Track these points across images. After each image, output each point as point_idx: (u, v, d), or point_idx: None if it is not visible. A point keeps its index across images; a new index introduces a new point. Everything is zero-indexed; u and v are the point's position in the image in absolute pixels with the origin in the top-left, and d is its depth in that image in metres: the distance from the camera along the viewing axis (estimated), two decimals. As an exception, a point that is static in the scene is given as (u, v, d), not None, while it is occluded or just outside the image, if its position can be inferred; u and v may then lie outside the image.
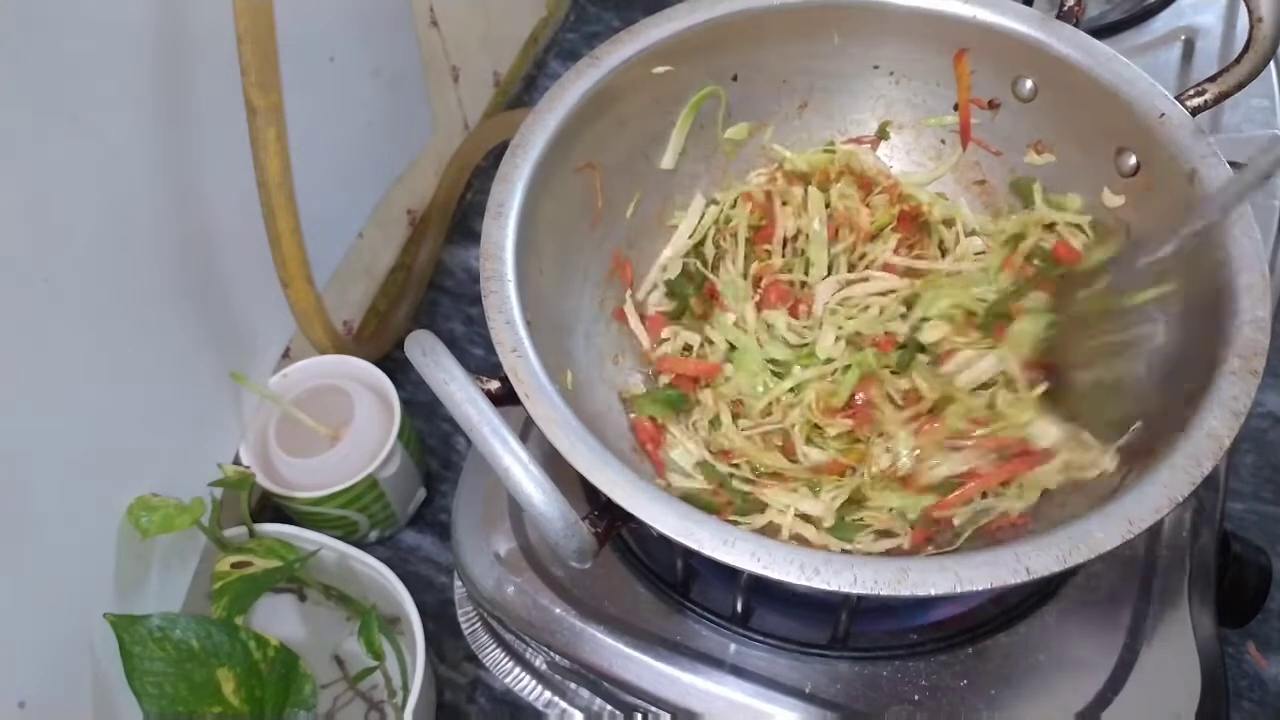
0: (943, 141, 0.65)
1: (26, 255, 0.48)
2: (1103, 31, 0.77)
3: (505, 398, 0.45)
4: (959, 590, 0.39)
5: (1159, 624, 0.52)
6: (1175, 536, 0.55)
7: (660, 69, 0.59)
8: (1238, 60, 0.53)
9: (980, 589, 0.39)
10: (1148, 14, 0.79)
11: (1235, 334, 0.46)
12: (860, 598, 0.48)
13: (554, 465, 0.41)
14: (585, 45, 1.05)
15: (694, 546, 0.40)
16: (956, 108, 0.63)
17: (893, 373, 0.57)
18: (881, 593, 0.39)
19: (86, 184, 0.51)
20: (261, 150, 0.56)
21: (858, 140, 0.66)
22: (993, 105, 0.62)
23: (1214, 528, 0.56)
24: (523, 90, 1.03)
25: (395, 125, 0.82)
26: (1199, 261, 0.50)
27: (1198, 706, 0.50)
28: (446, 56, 0.87)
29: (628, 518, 0.42)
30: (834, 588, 0.39)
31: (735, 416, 0.57)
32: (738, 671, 0.53)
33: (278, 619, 0.67)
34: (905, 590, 0.39)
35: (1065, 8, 0.58)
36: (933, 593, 0.39)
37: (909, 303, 0.60)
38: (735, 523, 0.49)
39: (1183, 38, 0.79)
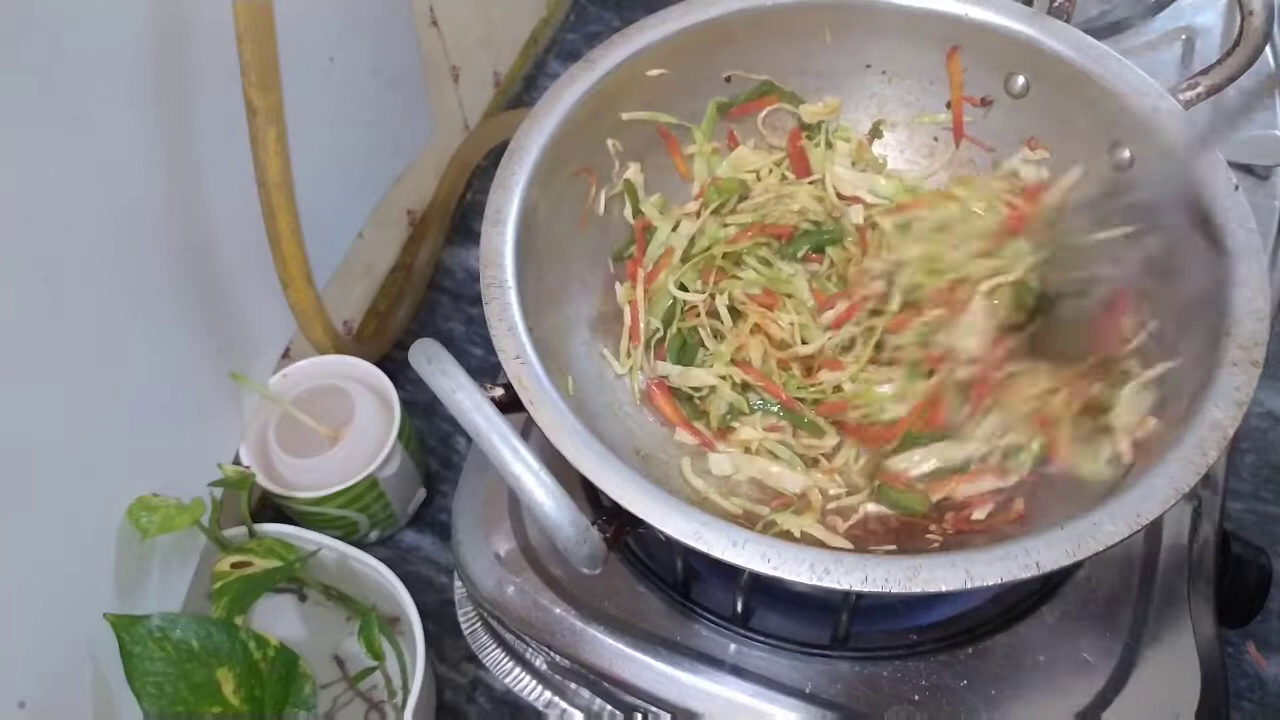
0: (935, 139, 0.65)
1: (26, 255, 0.48)
2: (1103, 31, 0.77)
3: (509, 404, 0.45)
4: (969, 586, 0.39)
5: (1159, 624, 0.52)
6: (1175, 536, 0.55)
7: (654, 72, 0.59)
8: (1229, 53, 0.54)
9: (991, 584, 0.39)
10: (1148, 14, 0.79)
11: (1235, 325, 0.46)
12: (861, 597, 0.48)
13: (555, 470, 0.41)
14: (585, 45, 1.05)
15: (703, 549, 0.40)
16: (949, 105, 0.63)
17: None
18: (893, 590, 0.39)
19: (86, 184, 0.51)
20: (261, 150, 0.56)
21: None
22: (985, 102, 0.62)
23: (1214, 528, 0.56)
24: (523, 90, 1.03)
25: (395, 125, 0.82)
26: (1198, 255, 0.50)
27: (1198, 706, 0.50)
28: (446, 56, 0.87)
29: (636, 522, 0.42)
30: (845, 587, 0.39)
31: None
32: (738, 671, 0.53)
33: (278, 619, 0.67)
34: (916, 588, 0.39)
35: (1056, 4, 0.58)
36: (943, 589, 0.39)
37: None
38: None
39: (1183, 37, 0.79)
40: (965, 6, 0.59)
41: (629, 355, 0.58)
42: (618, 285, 0.61)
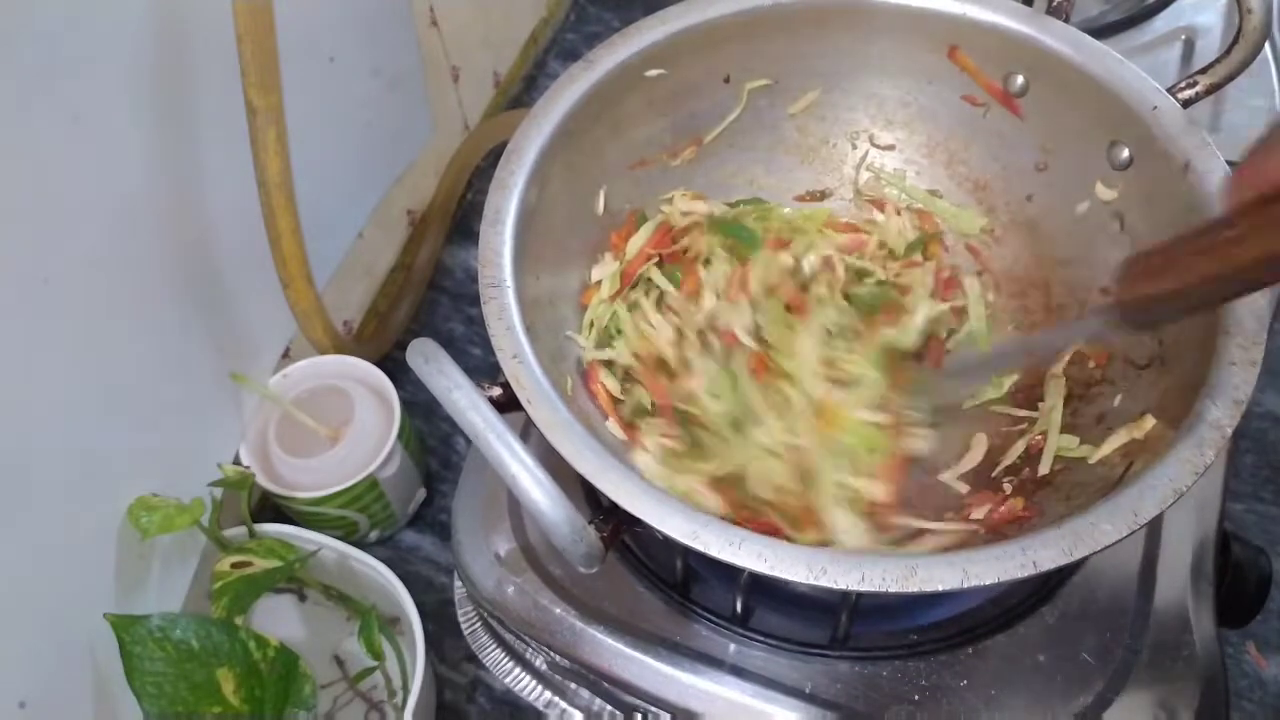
0: (932, 138, 0.65)
1: (26, 255, 0.48)
2: (1103, 31, 0.77)
3: (508, 404, 0.45)
4: (966, 585, 0.39)
5: (1159, 624, 0.52)
6: (1175, 536, 0.55)
7: (653, 72, 0.59)
8: (1228, 52, 0.54)
9: (988, 583, 0.39)
10: (1148, 14, 0.79)
11: (1234, 324, 0.46)
12: (860, 597, 0.48)
13: (553, 469, 0.41)
14: (585, 45, 1.05)
15: (700, 549, 0.40)
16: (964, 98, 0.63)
17: None
18: (890, 589, 0.39)
19: (86, 184, 0.51)
20: (261, 150, 0.56)
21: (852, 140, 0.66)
22: (984, 102, 0.62)
23: (1214, 528, 0.56)
24: (523, 90, 1.03)
25: (395, 125, 0.82)
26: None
27: (1198, 706, 0.50)
28: (446, 56, 0.87)
29: (633, 521, 0.42)
30: (842, 586, 0.39)
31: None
32: (738, 671, 0.53)
33: (278, 619, 0.67)
34: (913, 587, 0.39)
35: (1055, 3, 0.58)
36: (941, 588, 0.39)
37: None
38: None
39: (1183, 37, 0.79)
40: (964, 6, 0.58)
41: (590, 327, 0.58)
42: (597, 263, 0.60)
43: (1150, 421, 0.48)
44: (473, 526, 0.58)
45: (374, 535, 0.74)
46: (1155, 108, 0.53)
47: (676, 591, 0.55)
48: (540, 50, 1.05)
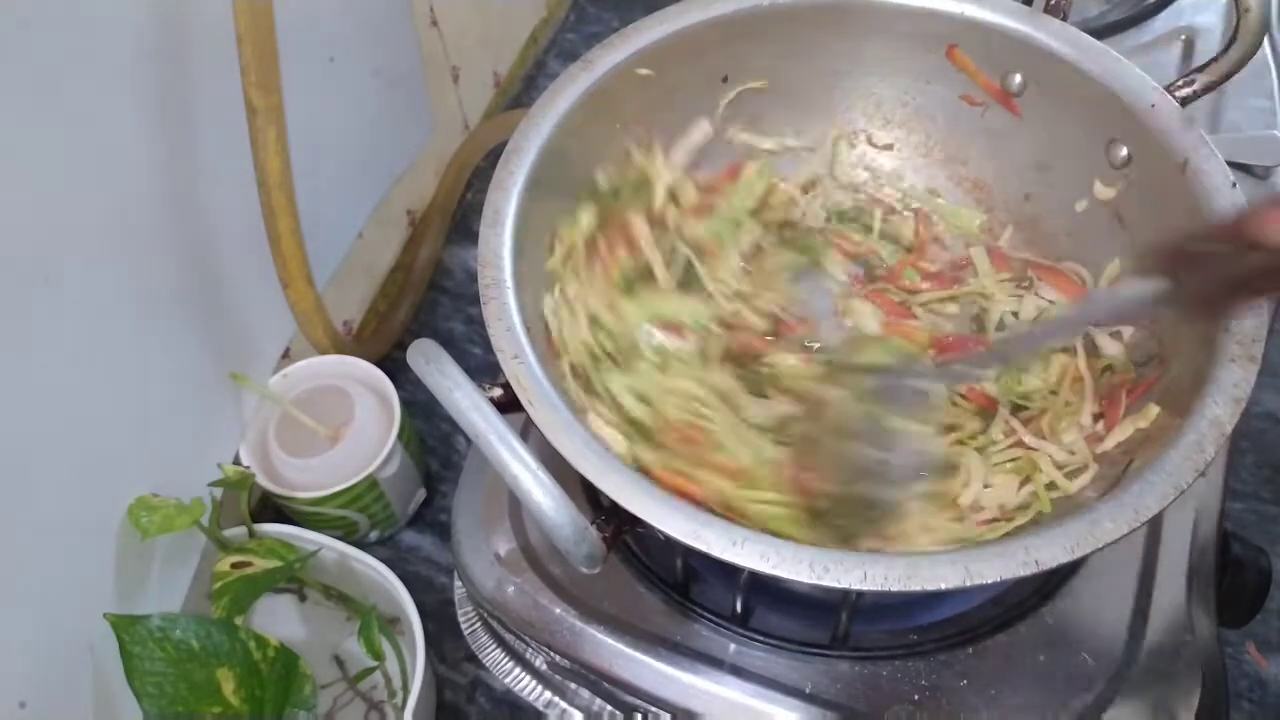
0: (929, 137, 0.65)
1: (26, 255, 0.48)
2: (1103, 31, 0.77)
3: (508, 404, 0.45)
4: (969, 584, 0.39)
5: (1159, 624, 0.52)
6: (1175, 536, 0.55)
7: (653, 72, 0.59)
8: (1225, 50, 0.54)
9: (990, 581, 0.39)
10: (1148, 14, 0.79)
11: (1234, 321, 0.46)
12: (860, 596, 0.48)
13: (554, 469, 0.41)
14: (585, 46, 1.05)
15: (702, 548, 0.40)
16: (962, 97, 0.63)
17: None
18: (892, 588, 0.39)
19: (87, 184, 0.51)
20: (261, 150, 0.56)
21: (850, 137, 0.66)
22: (983, 101, 0.62)
23: (1214, 528, 0.56)
24: (523, 90, 1.03)
25: (395, 125, 0.82)
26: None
27: (1198, 706, 0.50)
28: (446, 56, 0.87)
29: (635, 521, 0.42)
30: (845, 585, 0.39)
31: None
32: (738, 671, 0.53)
33: (278, 619, 0.67)
34: (916, 585, 0.39)
35: (1052, 2, 0.58)
36: (943, 587, 0.39)
37: None
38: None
39: (1182, 38, 0.79)
40: (963, 5, 0.59)
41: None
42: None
43: (1154, 410, 0.48)
44: (473, 526, 0.58)
45: (374, 535, 0.74)
46: (1153, 105, 0.53)
47: (676, 591, 0.55)
48: (540, 50, 1.06)
